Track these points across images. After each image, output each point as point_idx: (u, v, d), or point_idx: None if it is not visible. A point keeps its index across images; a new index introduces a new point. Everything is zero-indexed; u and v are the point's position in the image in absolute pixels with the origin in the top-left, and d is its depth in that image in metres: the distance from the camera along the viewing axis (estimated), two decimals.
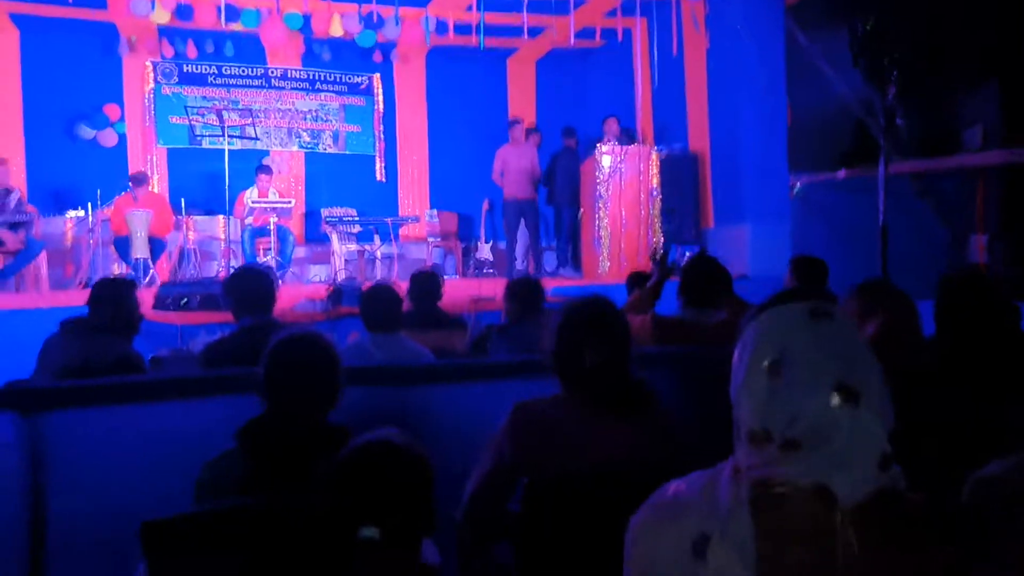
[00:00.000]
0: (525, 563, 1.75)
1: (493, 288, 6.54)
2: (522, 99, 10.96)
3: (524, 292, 4.15)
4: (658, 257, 3.57)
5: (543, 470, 1.78)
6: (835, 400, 0.99)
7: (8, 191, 7.24)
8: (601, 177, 8.15)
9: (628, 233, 8.19)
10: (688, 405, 2.48)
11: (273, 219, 8.15)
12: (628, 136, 8.93)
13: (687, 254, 3.56)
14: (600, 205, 8.17)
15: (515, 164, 8.81)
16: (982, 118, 6.49)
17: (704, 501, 1.04)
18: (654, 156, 8.31)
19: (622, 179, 8.21)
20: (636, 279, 4.27)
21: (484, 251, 9.76)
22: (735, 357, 1.09)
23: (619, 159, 8.21)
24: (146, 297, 5.83)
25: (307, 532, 1.37)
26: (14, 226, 7.13)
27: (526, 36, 8.84)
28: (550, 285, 4.73)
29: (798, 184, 7.55)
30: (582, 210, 8.64)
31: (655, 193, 8.28)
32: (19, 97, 9.20)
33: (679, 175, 8.52)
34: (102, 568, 1.86)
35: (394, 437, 1.39)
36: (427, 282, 4.42)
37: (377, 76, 10.61)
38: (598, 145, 8.30)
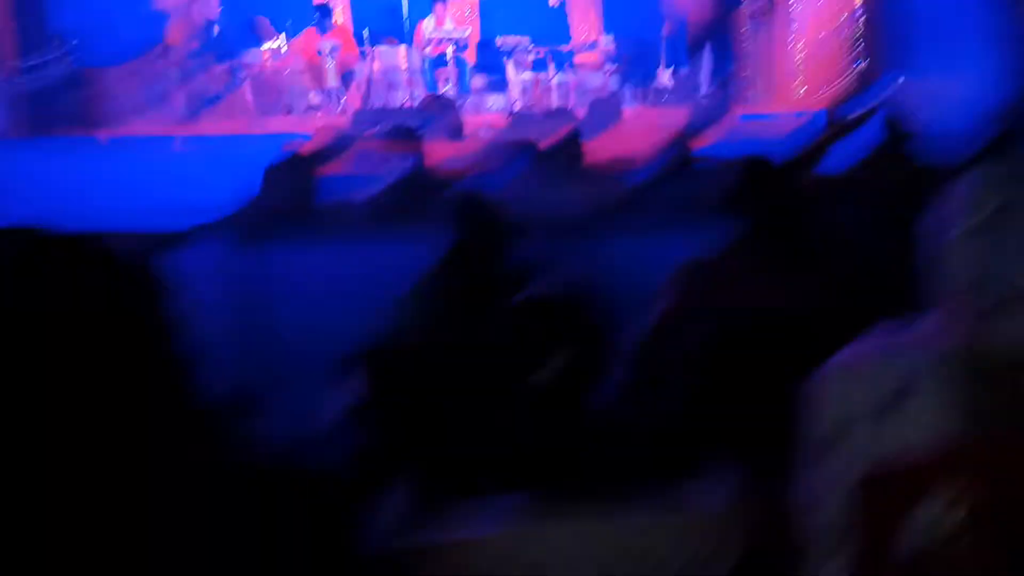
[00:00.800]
0: (696, 412, 1.80)
1: (674, 116, 6.25)
2: None
3: (678, 150, 3.98)
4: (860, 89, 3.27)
5: (709, 323, 1.79)
6: None
7: (210, 23, 7.70)
8: None
9: (822, 57, 7.48)
10: (872, 242, 2.34)
11: (450, 49, 8.17)
12: None
13: (890, 84, 3.21)
14: (795, 27, 7.47)
15: None
16: None
17: (903, 353, 1.00)
18: None
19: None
20: (832, 120, 3.94)
21: (664, 78, 9.27)
22: (938, 214, 1.01)
23: None
24: (340, 125, 6.16)
25: (491, 369, 1.48)
26: (217, 58, 7.63)
27: None
28: (742, 112, 4.50)
29: None
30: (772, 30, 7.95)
31: (859, 12, 7.41)
32: None
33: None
34: (319, 388, 2.08)
35: (562, 285, 1.45)
36: (606, 110, 4.35)
37: None
38: None
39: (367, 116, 6.20)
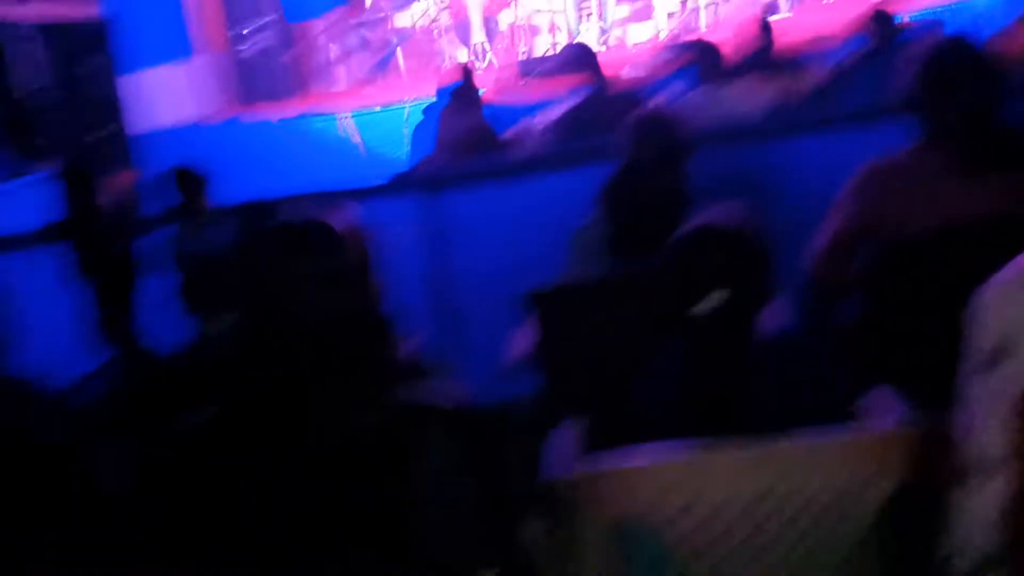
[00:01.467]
0: (874, 325, 1.73)
1: (835, 20, 5.79)
2: None
3: (877, 21, 3.70)
4: None
5: (897, 230, 1.69)
6: None
7: None
8: None
9: None
10: None
11: None
12: None
13: None
14: None
15: None
16: None
17: None
18: None
19: None
20: None
21: None
22: None
23: None
24: (489, 79, 6.25)
25: (659, 299, 1.50)
26: (372, 25, 7.91)
27: None
28: None
29: None
30: None
31: None
32: None
33: None
34: (502, 324, 2.20)
35: (732, 214, 1.43)
36: (760, 28, 4.14)
37: None
38: None
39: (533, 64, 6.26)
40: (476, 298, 2.43)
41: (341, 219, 1.36)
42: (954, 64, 1.70)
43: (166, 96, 6.87)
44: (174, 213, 3.11)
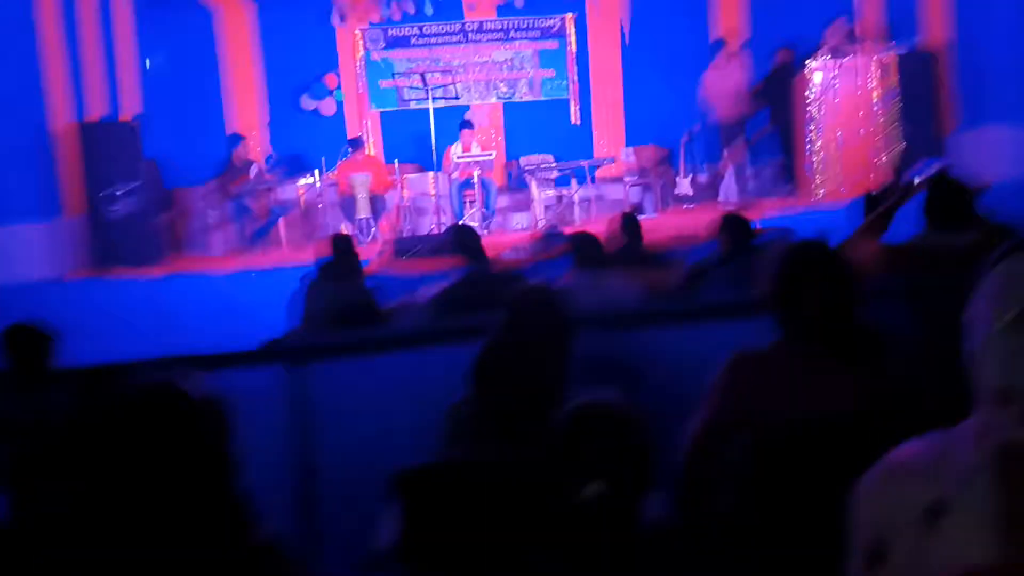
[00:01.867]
0: (747, 516, 1.73)
1: (697, 222, 6.35)
2: (728, 11, 10.23)
3: (736, 228, 4.02)
4: (896, 177, 3.28)
5: (765, 422, 1.73)
6: None
7: (249, 163, 8.08)
8: (812, 95, 7.59)
9: (846, 152, 7.60)
10: (929, 343, 2.30)
11: (476, 172, 8.45)
12: (851, 38, 8.17)
13: (929, 169, 3.21)
14: (812, 126, 7.64)
15: (723, 86, 8.44)
16: None
17: (942, 464, 0.97)
18: (875, 65, 7.56)
19: (837, 95, 7.59)
20: (873, 200, 3.92)
21: (684, 186, 9.45)
22: (973, 309, 1.00)
23: (832, 74, 7.58)
24: (372, 254, 6.34)
25: (534, 486, 1.44)
26: (256, 195, 7.96)
27: None
28: (762, 211, 4.54)
29: None
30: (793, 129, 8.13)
31: (878, 106, 7.56)
32: (255, 73, 10.03)
33: (910, 78, 7.65)
34: (367, 507, 2.05)
35: (612, 397, 1.42)
36: (629, 222, 4.43)
37: (569, 16, 10.51)
38: (807, 62, 7.71)
39: (405, 243, 6.37)
40: (341, 479, 2.27)
41: (197, 386, 1.25)
42: (811, 265, 1.83)
43: (24, 253, 6.58)
44: (7, 375, 2.81)
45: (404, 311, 4.33)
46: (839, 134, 7.61)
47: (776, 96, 8.44)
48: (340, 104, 10.36)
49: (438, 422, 1.83)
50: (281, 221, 8.24)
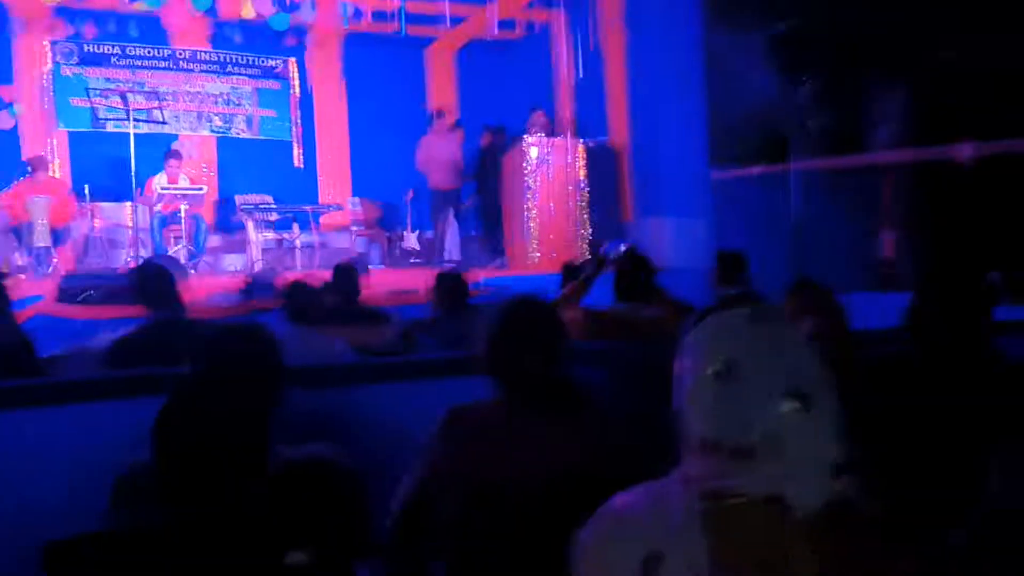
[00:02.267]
0: (461, 573, 1.69)
1: (420, 279, 6.41)
2: (442, 89, 10.84)
3: (451, 287, 4.09)
4: (596, 251, 3.59)
5: (480, 478, 1.72)
6: (787, 406, 0.97)
7: None
8: (528, 168, 8.14)
9: (556, 224, 8.21)
10: (623, 403, 2.47)
11: (184, 206, 7.82)
12: (551, 127, 8.97)
13: (622, 247, 3.55)
14: (528, 196, 8.16)
15: (440, 155, 8.73)
16: (890, 117, 6.76)
17: (653, 515, 1.01)
18: (580, 148, 8.35)
19: (550, 170, 8.23)
20: (570, 271, 4.27)
21: (411, 240, 9.60)
22: (678, 365, 1.07)
23: (546, 150, 8.21)
24: (48, 288, 5.50)
25: (227, 555, 1.27)
26: None
27: (448, 24, 8.72)
28: (479, 276, 4.68)
29: (717, 179, 7.71)
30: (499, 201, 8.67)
31: (582, 184, 8.32)
32: None
33: (601, 168, 8.59)
34: None
35: (325, 452, 1.31)
36: (347, 275, 4.32)
37: (292, 60, 10.30)
38: (524, 137, 8.28)
39: (77, 280, 5.58)
40: None
41: None
42: (530, 319, 1.87)
43: None
44: None
45: (72, 360, 3.76)
46: (552, 205, 8.21)
47: (486, 170, 8.97)
48: (17, 119, 9.07)
49: (99, 485, 1.55)
50: None
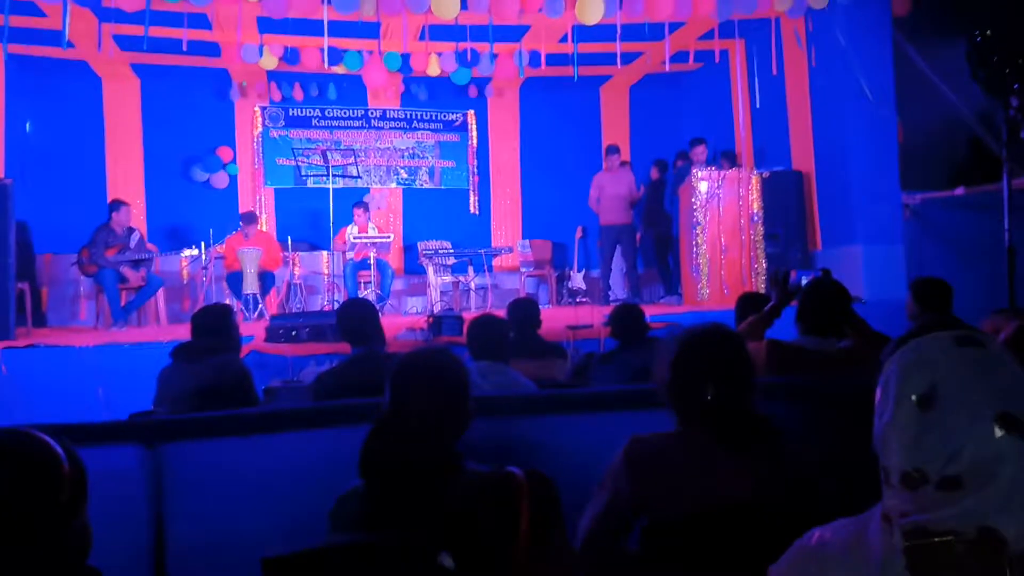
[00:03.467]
0: None
1: (589, 316, 6.45)
2: (616, 125, 10.93)
3: (627, 319, 4.07)
4: (780, 279, 3.40)
5: (662, 508, 1.69)
6: (998, 431, 0.89)
7: (131, 231, 7.69)
8: (698, 203, 7.99)
9: (729, 259, 7.98)
10: (811, 439, 2.34)
11: (373, 253, 8.36)
12: (729, 159, 8.77)
13: (804, 279, 3.36)
14: (698, 231, 8.00)
15: (611, 190, 8.79)
16: None
17: (852, 551, 0.96)
18: (755, 179, 8.10)
19: (720, 204, 8.03)
20: (748, 302, 4.02)
21: (577, 280, 9.70)
22: (878, 395, 1.01)
23: (717, 184, 8.03)
24: (257, 330, 6.07)
25: (420, 571, 1.33)
26: (136, 264, 7.55)
27: (619, 63, 8.81)
28: (649, 312, 4.63)
29: (910, 203, 7.19)
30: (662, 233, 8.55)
31: (756, 218, 8.04)
32: (140, 142, 9.82)
33: (782, 197, 8.26)
34: None
35: (517, 473, 1.35)
36: (526, 310, 4.41)
37: (471, 112, 10.82)
38: (694, 170, 8.17)
39: (284, 320, 6.09)
40: (208, 563, 2.05)
41: (52, 450, 1.10)
42: (710, 349, 1.83)
43: None
44: None
45: (284, 392, 4.10)
46: (723, 239, 8.00)
47: (655, 205, 8.89)
48: (234, 178, 10.15)
49: (319, 508, 1.68)
50: (160, 292, 7.83)
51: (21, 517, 1.00)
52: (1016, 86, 5.88)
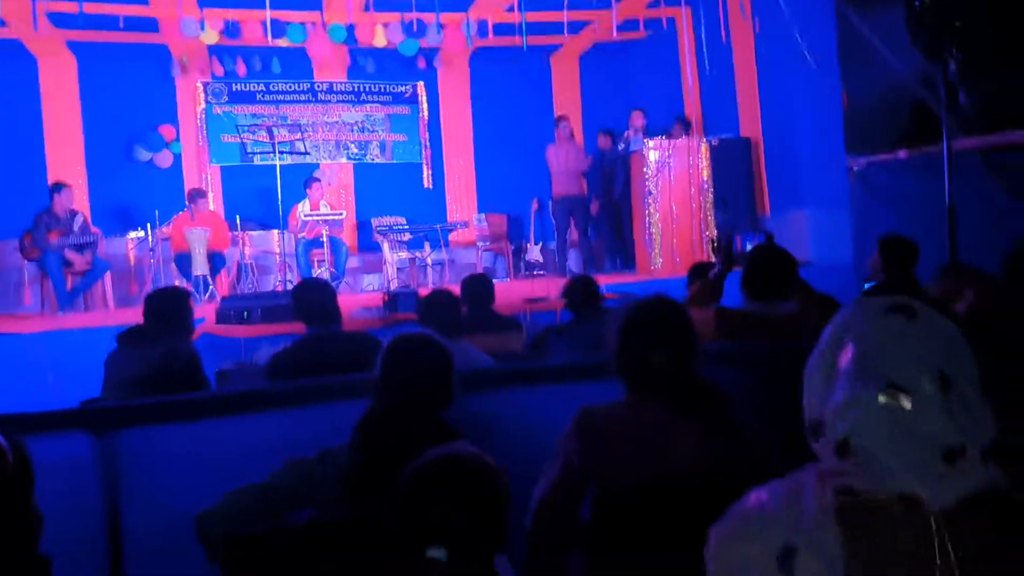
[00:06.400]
0: (598, 573, 1.71)
1: (545, 288, 6.49)
2: (567, 95, 10.91)
3: (581, 291, 4.11)
4: (721, 246, 3.44)
5: (613, 477, 1.73)
6: (882, 398, 0.94)
7: (73, 214, 7.48)
8: (649, 172, 8.05)
9: (680, 227, 8.08)
10: (757, 405, 2.40)
11: (325, 231, 8.26)
12: (683, 124, 8.81)
13: (748, 244, 3.42)
14: (650, 200, 8.07)
15: (563, 162, 8.78)
16: None
17: (788, 511, 1.00)
18: (704, 147, 8.18)
19: (671, 173, 8.10)
20: (698, 270, 4.09)
21: (534, 252, 9.72)
22: (810, 364, 1.06)
23: (667, 153, 8.09)
24: (208, 312, 5.97)
25: (379, 549, 1.35)
26: (80, 248, 7.36)
27: (567, 32, 8.78)
28: (603, 282, 4.68)
29: (855, 167, 7.34)
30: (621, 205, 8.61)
31: (706, 185, 8.14)
32: (79, 122, 9.51)
33: (731, 164, 8.37)
34: None
35: (464, 451, 1.36)
36: (480, 285, 4.42)
37: (421, 84, 10.68)
38: (644, 140, 8.21)
39: (235, 302, 6.00)
40: (160, 550, 2.05)
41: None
42: (658, 318, 1.87)
43: None
44: None
45: (237, 374, 4.05)
46: (674, 208, 8.08)
47: (605, 175, 8.93)
48: (178, 156, 9.90)
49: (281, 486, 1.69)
50: (107, 276, 7.64)
51: None
52: (954, 50, 6.01)
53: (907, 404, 0.94)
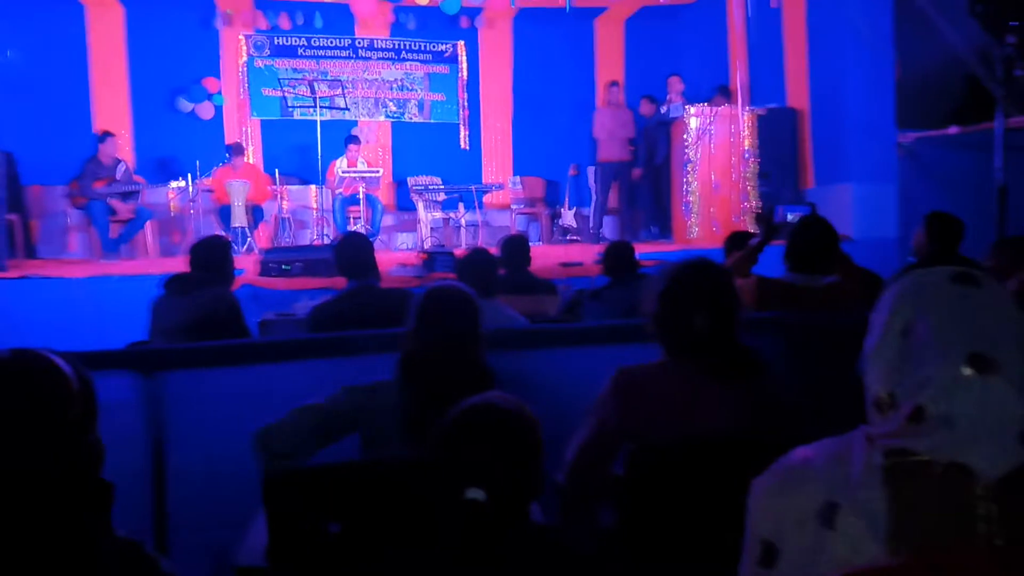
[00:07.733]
0: (629, 527, 1.74)
1: (580, 253, 6.48)
2: (610, 60, 10.75)
3: (619, 256, 4.10)
4: (764, 216, 3.42)
5: (648, 436, 1.75)
6: (966, 370, 0.93)
7: (117, 162, 7.60)
8: (689, 139, 7.93)
9: (720, 196, 7.97)
10: (795, 373, 2.40)
11: (362, 188, 8.30)
12: (724, 94, 8.66)
13: (789, 216, 3.38)
14: (689, 168, 7.97)
15: (611, 126, 8.69)
16: None
17: (834, 468, 1.00)
18: (747, 117, 8.03)
19: (712, 141, 7.98)
20: (736, 240, 4.06)
21: (568, 217, 9.68)
22: (871, 321, 1.05)
23: (709, 120, 7.96)
24: (248, 263, 6.07)
25: (416, 491, 1.38)
26: (124, 196, 7.49)
27: None
28: (639, 250, 4.66)
29: (904, 142, 7.16)
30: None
31: (748, 155, 8.01)
32: (125, 72, 9.59)
33: (776, 134, 8.21)
34: (219, 517, 1.95)
35: (500, 400, 1.39)
36: (517, 247, 4.42)
37: (461, 44, 10.59)
38: (686, 107, 8.08)
39: (277, 254, 6.08)
40: (203, 487, 2.12)
41: (60, 369, 1.13)
42: (698, 281, 1.87)
43: None
44: None
45: (280, 324, 4.13)
46: (713, 177, 7.97)
47: (647, 142, 8.83)
48: (219, 109, 9.97)
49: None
50: (149, 225, 7.78)
51: (34, 434, 1.04)
52: (1013, 23, 5.80)
53: (992, 376, 0.93)
